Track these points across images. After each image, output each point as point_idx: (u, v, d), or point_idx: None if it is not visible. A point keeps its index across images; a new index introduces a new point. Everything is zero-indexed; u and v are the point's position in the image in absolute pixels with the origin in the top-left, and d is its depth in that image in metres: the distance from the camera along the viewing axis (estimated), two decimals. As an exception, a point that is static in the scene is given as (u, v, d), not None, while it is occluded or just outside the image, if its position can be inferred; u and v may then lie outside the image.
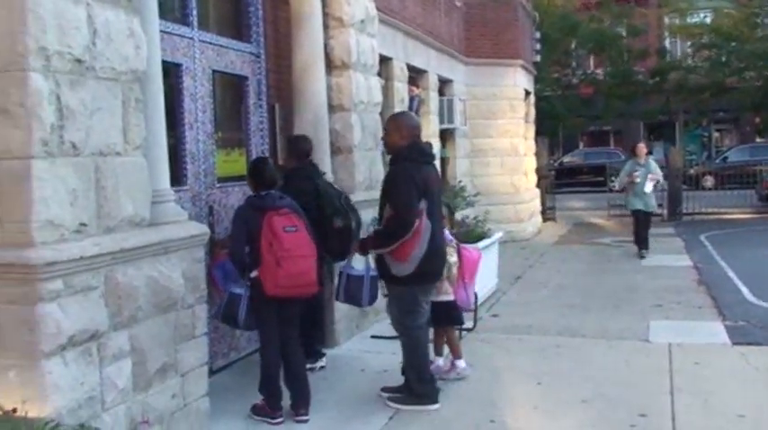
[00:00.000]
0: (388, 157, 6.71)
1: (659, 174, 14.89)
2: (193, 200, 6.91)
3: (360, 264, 6.98)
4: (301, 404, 6.16)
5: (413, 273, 6.27)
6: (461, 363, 7.22)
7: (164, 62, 5.67)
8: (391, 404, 6.47)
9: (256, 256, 5.91)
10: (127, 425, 4.66)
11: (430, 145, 6.78)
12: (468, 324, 8.38)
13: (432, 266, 6.40)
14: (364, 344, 8.37)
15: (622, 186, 15.27)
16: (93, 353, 4.50)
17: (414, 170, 6.29)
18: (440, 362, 7.34)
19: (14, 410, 4.03)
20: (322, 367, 7.50)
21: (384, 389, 6.68)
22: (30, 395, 4.12)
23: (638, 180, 14.42)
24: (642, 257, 14.53)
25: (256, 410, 6.20)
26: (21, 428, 3.91)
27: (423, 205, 6.23)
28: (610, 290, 11.46)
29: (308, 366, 7.26)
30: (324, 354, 7.66)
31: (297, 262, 5.84)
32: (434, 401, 6.47)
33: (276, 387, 6.14)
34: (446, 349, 7.42)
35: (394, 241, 6.24)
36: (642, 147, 14.97)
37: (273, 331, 6.12)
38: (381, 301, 9.41)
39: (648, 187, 14.46)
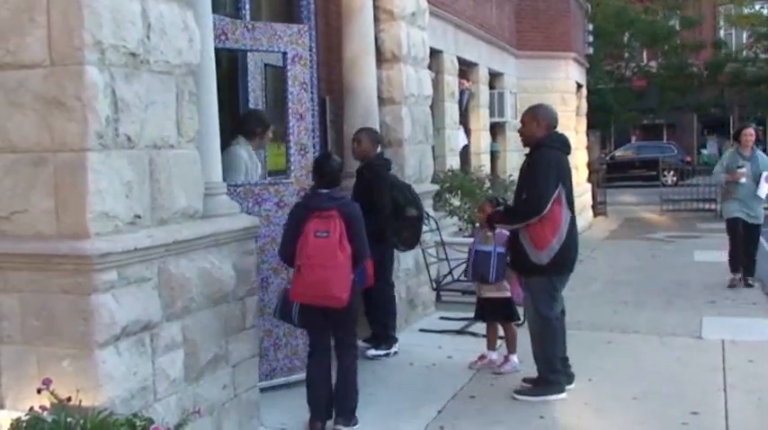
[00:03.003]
0: (526, 151, 6.71)
1: None
2: (299, 193, 6.59)
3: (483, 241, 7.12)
4: (338, 412, 5.81)
5: (551, 262, 6.30)
6: (515, 358, 7.20)
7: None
8: (519, 397, 6.47)
9: None
10: (178, 415, 4.68)
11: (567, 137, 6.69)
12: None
13: (570, 256, 6.45)
14: (412, 338, 8.36)
15: (721, 184, 11.31)
16: (146, 343, 4.54)
17: (555, 157, 6.33)
18: (493, 356, 7.33)
19: (69, 399, 4.07)
20: (395, 352, 7.71)
21: (525, 381, 6.69)
22: (83, 384, 4.17)
23: (743, 179, 10.64)
24: (734, 286, 10.80)
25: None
26: (75, 417, 3.97)
27: (560, 192, 6.24)
28: (662, 285, 11.32)
29: (384, 352, 7.64)
30: (396, 340, 7.83)
31: (315, 271, 5.39)
32: (563, 390, 6.49)
33: (313, 394, 5.81)
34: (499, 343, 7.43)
35: (519, 221, 6.35)
36: (749, 134, 10.85)
37: (315, 336, 5.84)
38: (430, 294, 9.45)
39: (764, 191, 10.68)
